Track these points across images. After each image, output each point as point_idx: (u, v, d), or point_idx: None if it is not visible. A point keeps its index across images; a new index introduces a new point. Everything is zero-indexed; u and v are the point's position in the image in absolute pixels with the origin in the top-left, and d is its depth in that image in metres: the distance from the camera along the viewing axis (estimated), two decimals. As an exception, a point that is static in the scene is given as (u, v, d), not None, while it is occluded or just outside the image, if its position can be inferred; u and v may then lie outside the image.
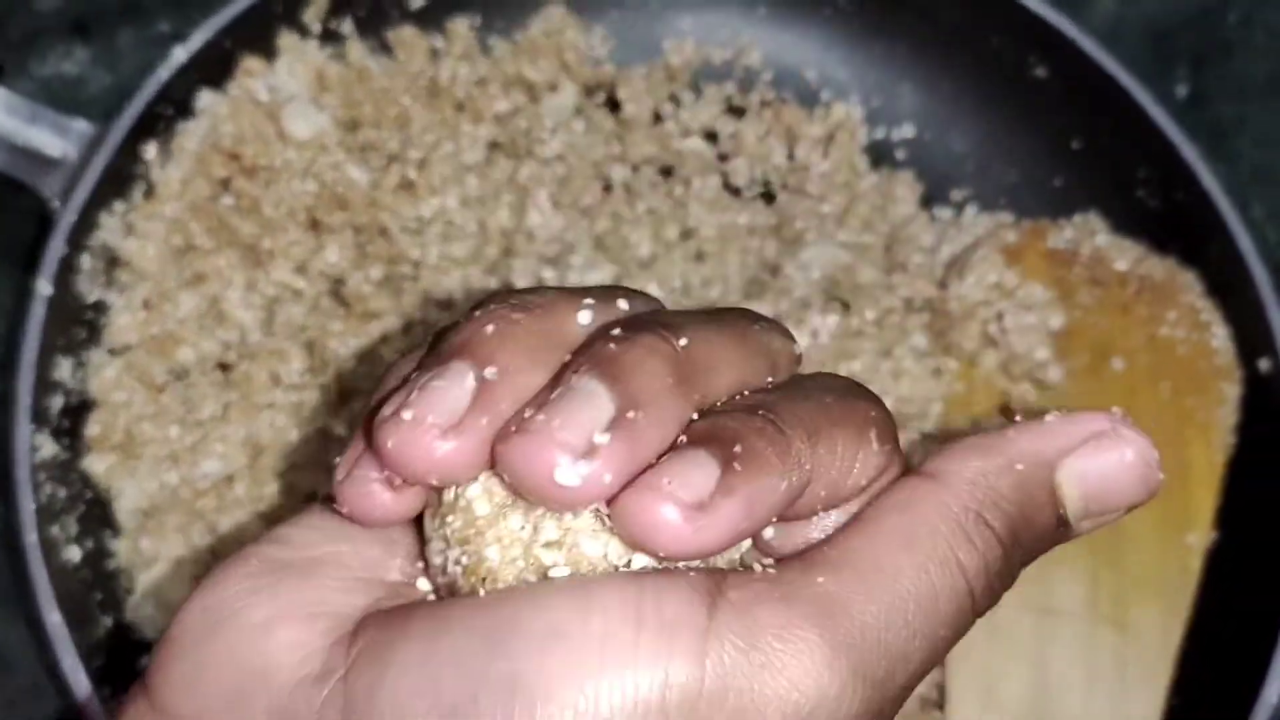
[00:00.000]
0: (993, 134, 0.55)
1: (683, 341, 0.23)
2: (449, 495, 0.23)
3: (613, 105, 0.55)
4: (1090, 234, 0.51)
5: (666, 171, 0.54)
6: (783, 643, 0.21)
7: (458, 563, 0.23)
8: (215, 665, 0.23)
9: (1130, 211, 0.52)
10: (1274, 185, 0.58)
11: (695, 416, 0.23)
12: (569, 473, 0.21)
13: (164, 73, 0.48)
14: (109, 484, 0.46)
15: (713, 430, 0.22)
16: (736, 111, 0.55)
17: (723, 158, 0.54)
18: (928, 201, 0.54)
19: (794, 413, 0.23)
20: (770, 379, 0.25)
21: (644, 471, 0.21)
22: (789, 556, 0.24)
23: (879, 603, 0.22)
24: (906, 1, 0.55)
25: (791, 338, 0.26)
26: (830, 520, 0.25)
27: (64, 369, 0.46)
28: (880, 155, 0.55)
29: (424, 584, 0.24)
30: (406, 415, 0.22)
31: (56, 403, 0.45)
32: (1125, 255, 0.51)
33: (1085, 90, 0.52)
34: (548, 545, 0.22)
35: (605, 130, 0.53)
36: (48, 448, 0.44)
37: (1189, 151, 0.50)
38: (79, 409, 0.46)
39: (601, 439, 0.21)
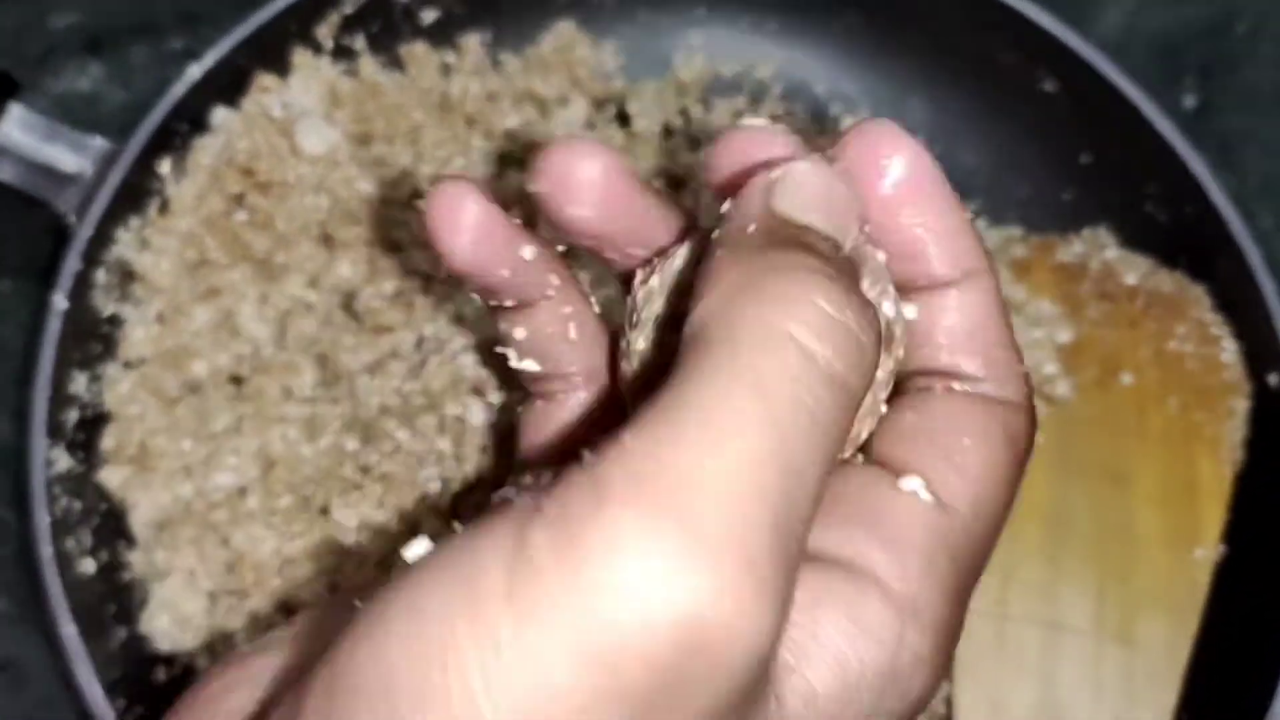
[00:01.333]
0: (1002, 148, 0.56)
1: None
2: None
3: (623, 119, 0.55)
4: (1099, 248, 0.52)
5: (677, 185, 0.54)
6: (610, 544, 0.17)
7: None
8: None
9: (1139, 226, 0.53)
10: (1283, 197, 0.58)
11: None
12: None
13: (179, 89, 0.48)
14: (123, 496, 0.46)
15: None
16: (746, 126, 0.56)
17: (733, 171, 0.55)
18: (937, 215, 0.54)
19: None
20: None
21: None
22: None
23: (734, 457, 0.18)
24: (916, 17, 0.55)
25: None
26: None
27: (79, 383, 0.46)
28: (889, 169, 0.55)
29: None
30: None
31: (72, 416, 0.46)
32: (1134, 269, 0.51)
33: (1094, 105, 0.53)
34: None
35: (615, 144, 0.54)
36: (63, 461, 0.45)
37: (1198, 166, 0.50)
38: (94, 422, 0.46)
39: None
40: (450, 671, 0.17)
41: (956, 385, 0.26)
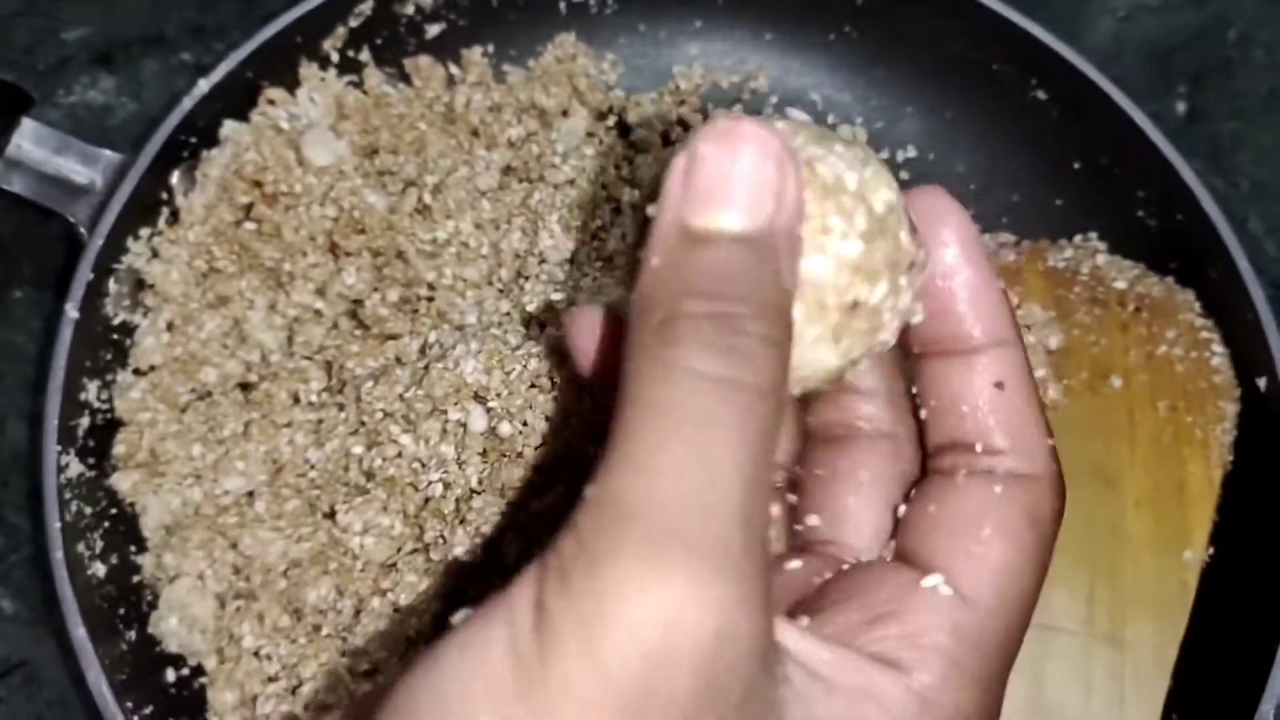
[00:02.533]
0: (994, 155, 0.56)
1: None
2: None
3: (623, 130, 0.56)
4: (1090, 254, 0.52)
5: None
6: (607, 592, 0.19)
7: None
8: None
9: (1130, 231, 0.53)
10: (1272, 201, 0.58)
11: None
12: None
13: (188, 103, 0.49)
14: (134, 501, 0.47)
15: None
16: (744, 135, 0.56)
17: (730, 180, 0.55)
18: (931, 222, 0.55)
19: None
20: None
21: None
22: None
23: (654, 473, 0.20)
24: (909, 27, 0.56)
25: None
26: None
27: (91, 390, 0.47)
28: (885, 177, 0.56)
29: None
30: None
31: (83, 423, 0.47)
32: (1125, 274, 0.51)
33: (1085, 112, 0.53)
34: None
35: (616, 154, 0.55)
36: (75, 466, 0.46)
37: (1187, 172, 0.51)
38: (105, 428, 0.47)
39: None
40: (499, 672, 0.20)
41: (980, 464, 0.27)
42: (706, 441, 0.21)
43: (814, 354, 0.25)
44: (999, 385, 0.27)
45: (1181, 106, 0.60)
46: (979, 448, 0.27)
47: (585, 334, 0.28)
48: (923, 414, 0.29)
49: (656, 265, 0.23)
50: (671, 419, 0.21)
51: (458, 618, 0.22)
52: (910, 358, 0.29)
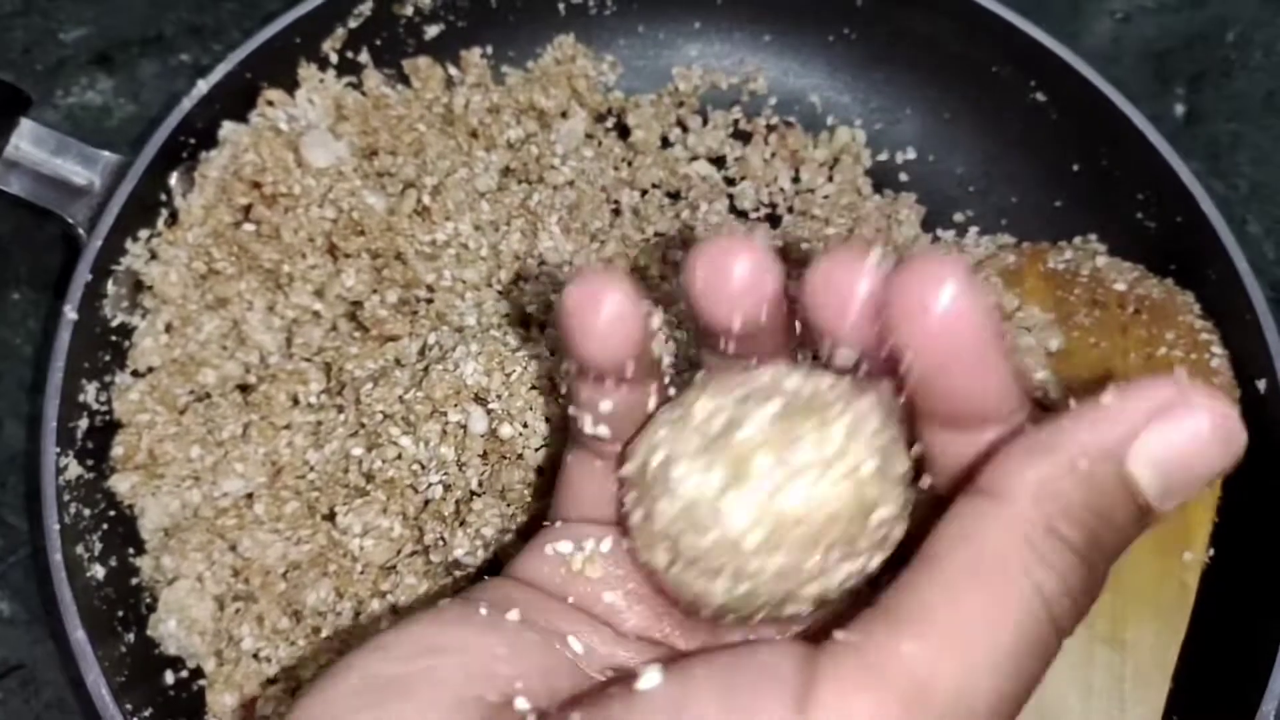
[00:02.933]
0: (993, 157, 0.56)
1: None
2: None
3: (622, 131, 0.56)
4: (1090, 255, 0.52)
5: (674, 195, 0.55)
6: None
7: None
8: None
9: (1129, 233, 0.53)
10: (1271, 202, 0.59)
11: None
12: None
13: (187, 104, 0.49)
14: (132, 503, 0.47)
15: None
16: (743, 136, 0.57)
17: (729, 181, 0.56)
18: (930, 224, 0.55)
19: None
20: None
21: None
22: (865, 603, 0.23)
23: (965, 663, 0.22)
24: (908, 28, 0.56)
25: None
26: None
27: (89, 392, 0.47)
28: (883, 178, 0.56)
29: (522, 703, 0.25)
30: None
31: (82, 424, 0.47)
32: (1124, 276, 0.51)
33: (1084, 114, 0.53)
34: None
35: (615, 156, 0.55)
36: (73, 468, 0.46)
37: (1186, 174, 0.51)
38: (104, 430, 0.47)
39: None
40: None
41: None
42: (1016, 676, 0.22)
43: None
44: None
45: (1180, 108, 0.61)
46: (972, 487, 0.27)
47: (594, 306, 0.27)
48: (916, 448, 0.28)
49: (1080, 466, 0.23)
50: (1005, 633, 0.22)
51: (646, 682, 0.23)
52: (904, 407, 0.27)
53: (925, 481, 0.28)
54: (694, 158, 0.56)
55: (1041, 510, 0.22)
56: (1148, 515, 0.24)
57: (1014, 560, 0.22)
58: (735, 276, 0.26)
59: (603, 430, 0.30)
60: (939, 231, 0.55)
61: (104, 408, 0.47)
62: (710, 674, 0.22)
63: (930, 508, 0.26)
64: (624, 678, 0.23)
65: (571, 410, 0.30)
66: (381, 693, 0.25)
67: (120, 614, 0.45)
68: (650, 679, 0.23)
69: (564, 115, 0.55)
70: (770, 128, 0.57)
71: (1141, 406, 0.23)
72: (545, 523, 0.33)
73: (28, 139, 0.49)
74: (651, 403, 0.30)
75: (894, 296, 0.24)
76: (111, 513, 0.46)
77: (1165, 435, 0.23)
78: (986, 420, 0.26)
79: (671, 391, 0.31)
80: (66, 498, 0.45)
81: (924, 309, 0.24)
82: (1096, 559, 0.23)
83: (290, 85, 0.52)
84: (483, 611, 0.28)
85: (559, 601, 0.30)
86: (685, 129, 0.56)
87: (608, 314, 0.26)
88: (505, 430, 0.44)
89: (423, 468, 0.45)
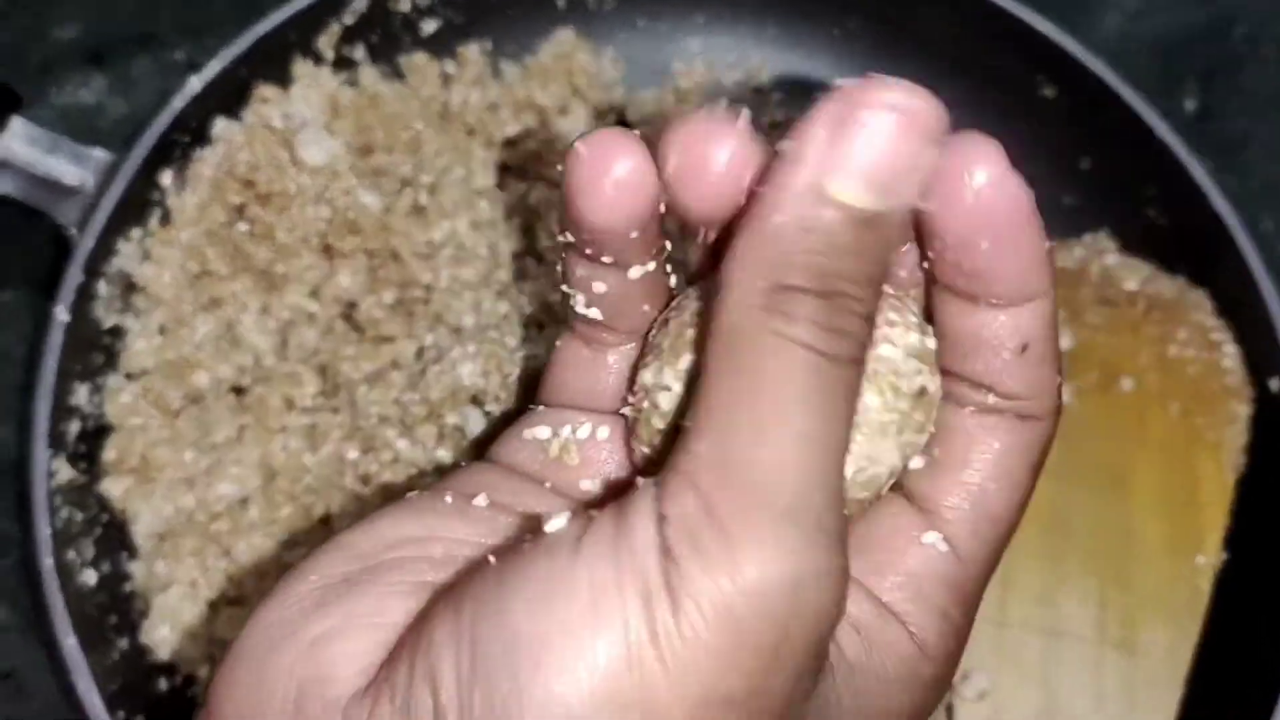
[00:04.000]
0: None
1: None
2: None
3: (624, 127, 0.55)
4: (1100, 253, 0.52)
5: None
6: (731, 540, 0.21)
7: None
8: (274, 680, 0.23)
9: (1140, 231, 0.53)
10: (1284, 199, 0.58)
11: None
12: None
13: (180, 101, 0.48)
14: (125, 507, 0.46)
15: None
16: (745, 132, 0.56)
17: (732, 178, 0.55)
18: (937, 221, 0.54)
19: None
20: None
21: None
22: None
23: (757, 433, 0.22)
24: (915, 21, 0.55)
25: None
26: None
27: (81, 394, 0.46)
28: (889, 175, 0.55)
29: None
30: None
31: (73, 427, 0.46)
32: (1135, 275, 0.51)
33: (1093, 110, 0.53)
34: None
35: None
36: (65, 472, 0.45)
37: (1198, 171, 0.50)
38: (95, 433, 0.47)
39: None
40: (624, 614, 0.21)
41: (990, 403, 0.27)
42: (819, 418, 0.22)
43: (877, 448, 0.26)
44: (1024, 348, 0.26)
45: (1191, 104, 0.60)
46: (991, 398, 0.27)
47: (604, 167, 0.25)
48: (930, 334, 0.27)
49: (779, 223, 0.23)
50: (785, 392, 0.22)
51: (553, 524, 0.23)
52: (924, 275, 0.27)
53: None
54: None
55: (762, 276, 0.23)
56: (880, 219, 0.23)
57: (752, 328, 0.22)
58: (714, 165, 0.25)
59: (594, 313, 0.29)
60: (946, 229, 0.54)
61: (96, 410, 0.47)
62: (604, 516, 0.23)
63: None
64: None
65: (564, 287, 0.29)
66: (339, 589, 0.24)
67: (112, 620, 0.45)
68: (557, 522, 0.23)
69: (563, 111, 0.54)
70: (774, 123, 0.56)
71: (818, 135, 0.23)
72: (530, 406, 0.32)
73: (18, 138, 0.48)
74: (649, 294, 0.29)
75: (940, 164, 0.24)
76: (103, 517, 0.46)
77: (852, 153, 0.22)
78: (1009, 299, 0.26)
79: (673, 281, 0.30)
80: (58, 502, 0.44)
81: (967, 178, 0.24)
82: (843, 288, 0.23)
83: (285, 82, 0.51)
84: (448, 499, 0.27)
85: (535, 484, 0.29)
86: (687, 126, 0.56)
87: (618, 175, 0.25)
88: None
89: (420, 471, 0.44)
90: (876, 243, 0.23)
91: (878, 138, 0.23)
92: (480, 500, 0.27)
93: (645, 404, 0.27)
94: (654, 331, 0.29)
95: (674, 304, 0.28)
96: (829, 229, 0.23)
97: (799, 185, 0.23)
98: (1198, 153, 0.51)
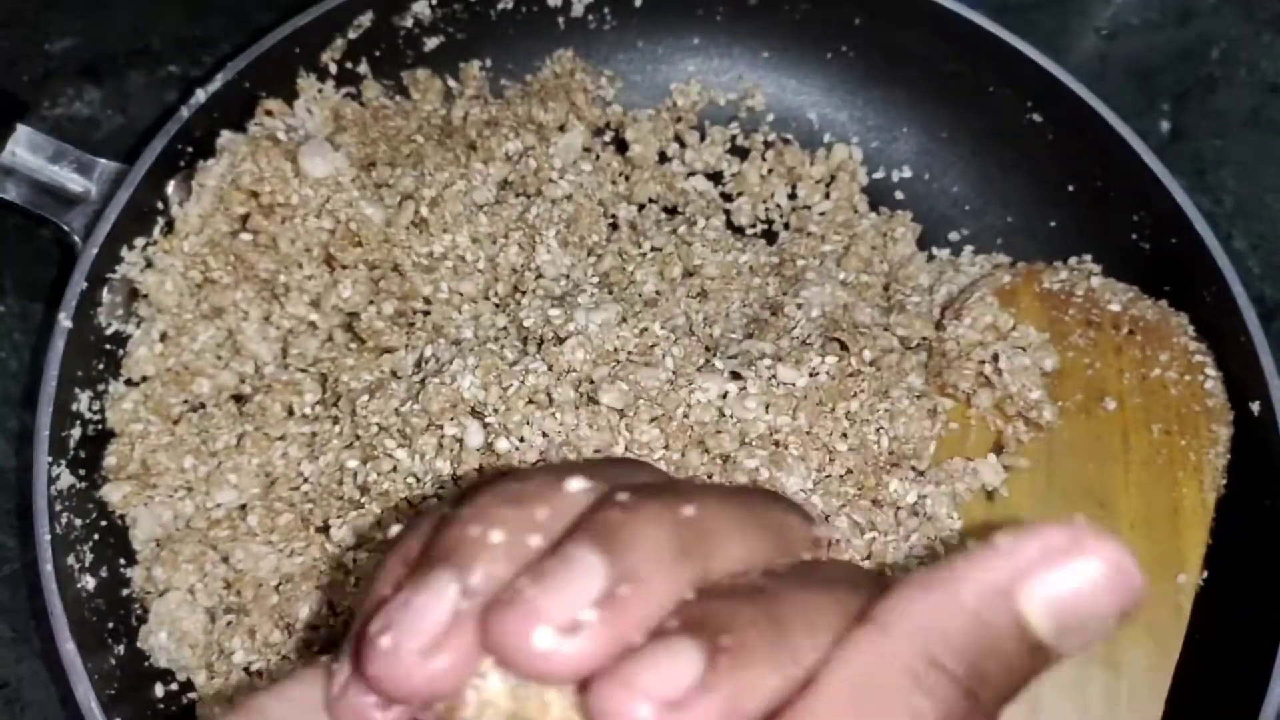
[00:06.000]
0: (989, 177, 0.57)
1: (689, 511, 0.23)
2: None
3: (620, 146, 0.56)
4: (1084, 276, 0.52)
5: (671, 210, 0.55)
6: None
7: None
8: None
9: (1123, 254, 0.53)
10: (1256, 218, 0.59)
11: (692, 595, 0.22)
12: (548, 641, 0.20)
13: (185, 112, 0.49)
14: (124, 513, 0.46)
15: (704, 616, 0.22)
16: (740, 152, 0.57)
17: (726, 197, 0.56)
18: (925, 242, 0.55)
19: (799, 602, 0.22)
20: (782, 561, 0.24)
21: (627, 655, 0.21)
22: None
23: None
24: (906, 47, 0.56)
25: (812, 520, 0.25)
26: None
27: (83, 401, 0.47)
28: (880, 196, 0.56)
29: None
30: (385, 642, 0.21)
31: (75, 434, 0.46)
32: (1118, 297, 0.51)
33: (1080, 136, 0.53)
34: None
35: (612, 170, 0.55)
36: (65, 478, 0.45)
37: (1181, 196, 0.51)
38: (96, 439, 0.47)
39: (588, 615, 0.21)
40: None
41: None
42: None
43: None
44: None
45: (1165, 124, 0.61)
46: None
47: None
48: None
49: (963, 600, 0.22)
50: None
51: None
52: None
53: None
54: (691, 173, 0.56)
55: (923, 641, 0.22)
56: (1045, 653, 0.23)
57: (892, 687, 0.22)
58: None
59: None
60: (934, 250, 0.55)
61: (97, 417, 0.47)
62: None
63: None
64: None
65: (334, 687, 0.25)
66: None
67: (111, 626, 0.45)
68: None
69: (562, 129, 0.55)
70: (768, 144, 0.57)
71: (1034, 547, 0.23)
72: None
73: (24, 146, 0.48)
74: None
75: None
76: (103, 523, 0.46)
77: (1056, 578, 0.22)
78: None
79: None
80: (58, 508, 0.44)
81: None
82: (982, 692, 0.22)
83: (289, 95, 0.51)
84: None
85: None
86: (683, 144, 0.57)
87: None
88: (501, 444, 0.43)
89: (418, 481, 0.44)
90: (1028, 671, 0.23)
91: (1082, 579, 0.22)
92: None
93: None
94: None
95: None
96: (998, 634, 0.22)
97: (996, 580, 0.23)
98: (1171, 173, 0.51)
